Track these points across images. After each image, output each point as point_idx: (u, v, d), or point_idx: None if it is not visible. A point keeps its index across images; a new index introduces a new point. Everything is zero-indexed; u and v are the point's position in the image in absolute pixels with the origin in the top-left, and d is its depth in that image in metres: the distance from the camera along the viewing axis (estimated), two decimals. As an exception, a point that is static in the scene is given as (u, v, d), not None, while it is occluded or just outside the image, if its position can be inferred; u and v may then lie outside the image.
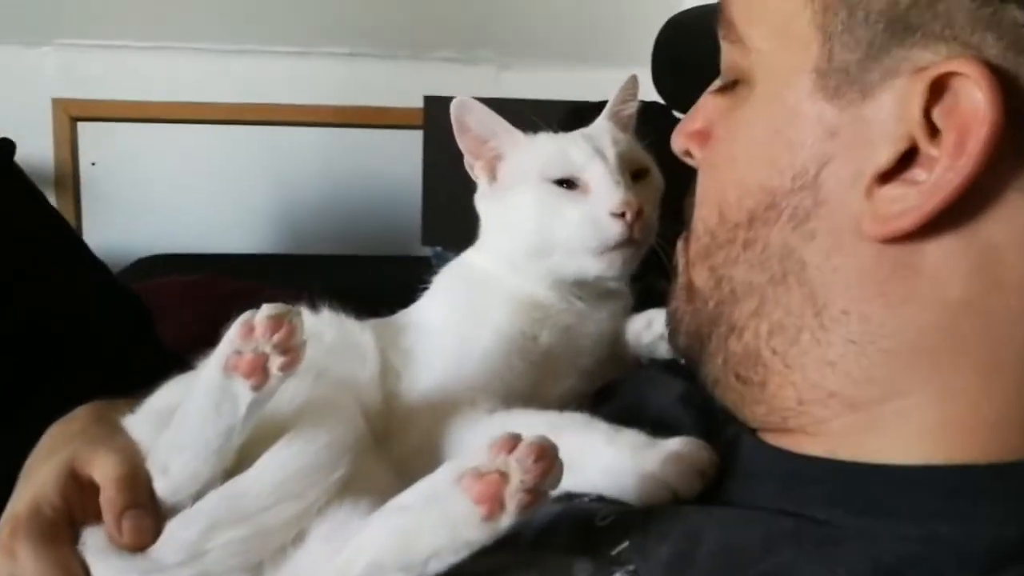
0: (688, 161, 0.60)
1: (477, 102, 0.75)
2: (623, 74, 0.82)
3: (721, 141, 0.55)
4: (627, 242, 0.70)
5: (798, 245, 0.48)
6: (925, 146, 0.43)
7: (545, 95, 1.98)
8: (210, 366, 0.56)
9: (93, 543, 0.57)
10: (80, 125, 2.60)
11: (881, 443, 0.48)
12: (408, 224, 2.37)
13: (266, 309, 0.54)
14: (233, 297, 1.28)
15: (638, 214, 0.70)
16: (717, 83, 0.57)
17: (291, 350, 0.54)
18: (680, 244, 0.60)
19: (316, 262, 2.34)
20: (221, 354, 0.55)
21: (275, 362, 0.54)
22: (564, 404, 0.69)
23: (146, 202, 2.50)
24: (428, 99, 2.23)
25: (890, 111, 0.44)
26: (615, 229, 0.69)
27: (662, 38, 1.65)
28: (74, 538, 0.58)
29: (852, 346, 0.48)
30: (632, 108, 0.80)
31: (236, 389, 0.54)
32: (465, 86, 2.38)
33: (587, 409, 0.65)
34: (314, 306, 0.74)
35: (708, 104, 0.57)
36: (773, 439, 0.55)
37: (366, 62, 2.58)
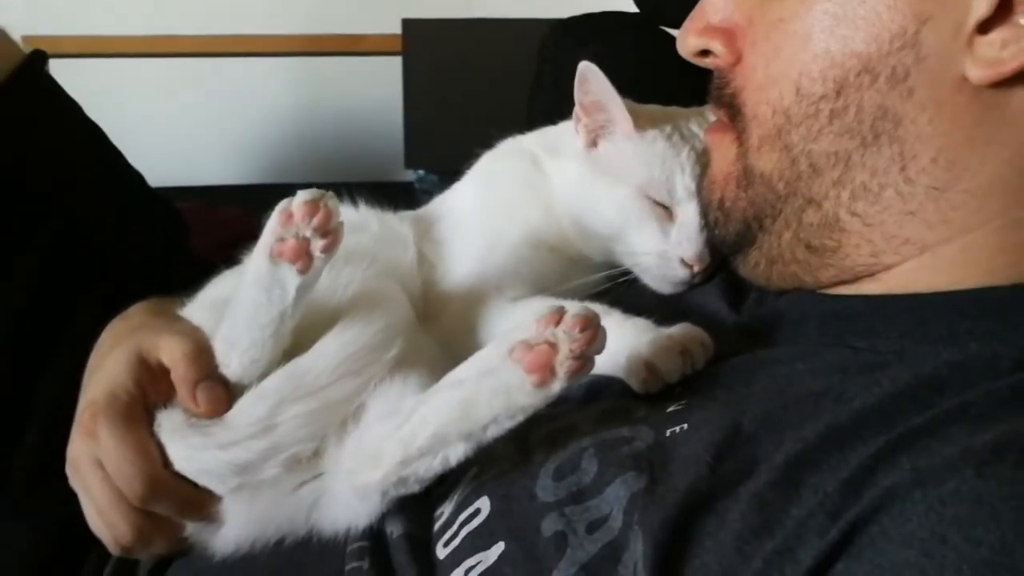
0: (699, 62, 0.61)
1: (601, 73, 0.73)
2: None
3: (782, 22, 0.55)
4: (684, 283, 0.72)
5: (894, 103, 0.52)
6: None
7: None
8: (256, 256, 0.59)
9: (168, 424, 0.62)
10: (51, 63, 2.56)
11: (939, 278, 0.54)
12: (390, 150, 2.38)
13: (301, 195, 0.57)
14: (223, 225, 1.30)
15: (706, 268, 0.71)
16: None
17: (330, 232, 0.57)
18: (720, 137, 0.62)
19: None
20: (265, 243, 0.58)
21: (316, 245, 0.57)
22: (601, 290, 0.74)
23: (122, 137, 2.45)
24: (406, 22, 2.23)
25: None
26: (679, 274, 0.71)
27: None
28: (149, 422, 0.62)
29: (934, 193, 0.53)
30: None
31: (283, 275, 0.58)
32: (438, 10, 2.39)
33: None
34: (354, 202, 0.78)
35: None
36: (830, 291, 0.59)
37: (338, -11, 2.56)
